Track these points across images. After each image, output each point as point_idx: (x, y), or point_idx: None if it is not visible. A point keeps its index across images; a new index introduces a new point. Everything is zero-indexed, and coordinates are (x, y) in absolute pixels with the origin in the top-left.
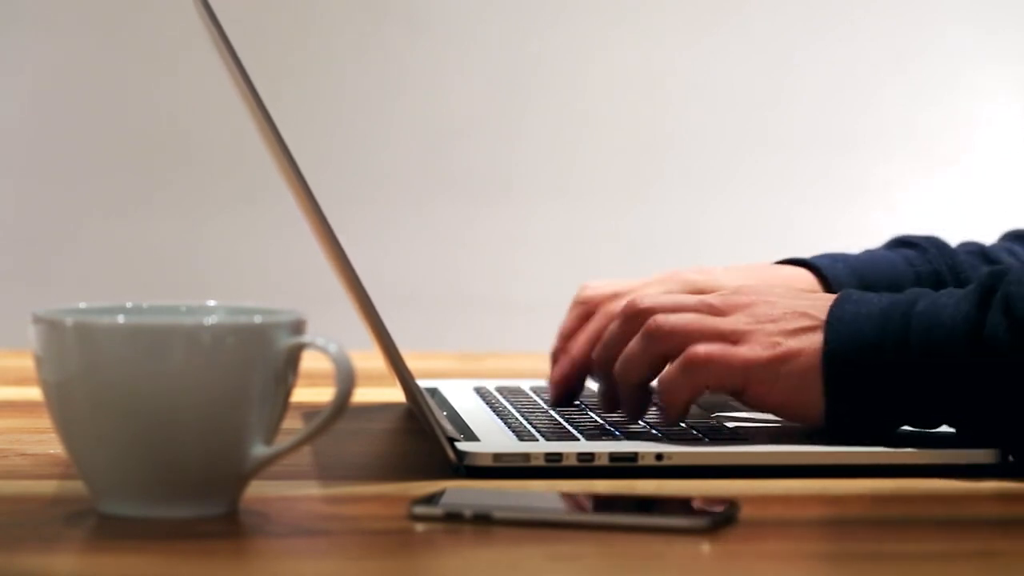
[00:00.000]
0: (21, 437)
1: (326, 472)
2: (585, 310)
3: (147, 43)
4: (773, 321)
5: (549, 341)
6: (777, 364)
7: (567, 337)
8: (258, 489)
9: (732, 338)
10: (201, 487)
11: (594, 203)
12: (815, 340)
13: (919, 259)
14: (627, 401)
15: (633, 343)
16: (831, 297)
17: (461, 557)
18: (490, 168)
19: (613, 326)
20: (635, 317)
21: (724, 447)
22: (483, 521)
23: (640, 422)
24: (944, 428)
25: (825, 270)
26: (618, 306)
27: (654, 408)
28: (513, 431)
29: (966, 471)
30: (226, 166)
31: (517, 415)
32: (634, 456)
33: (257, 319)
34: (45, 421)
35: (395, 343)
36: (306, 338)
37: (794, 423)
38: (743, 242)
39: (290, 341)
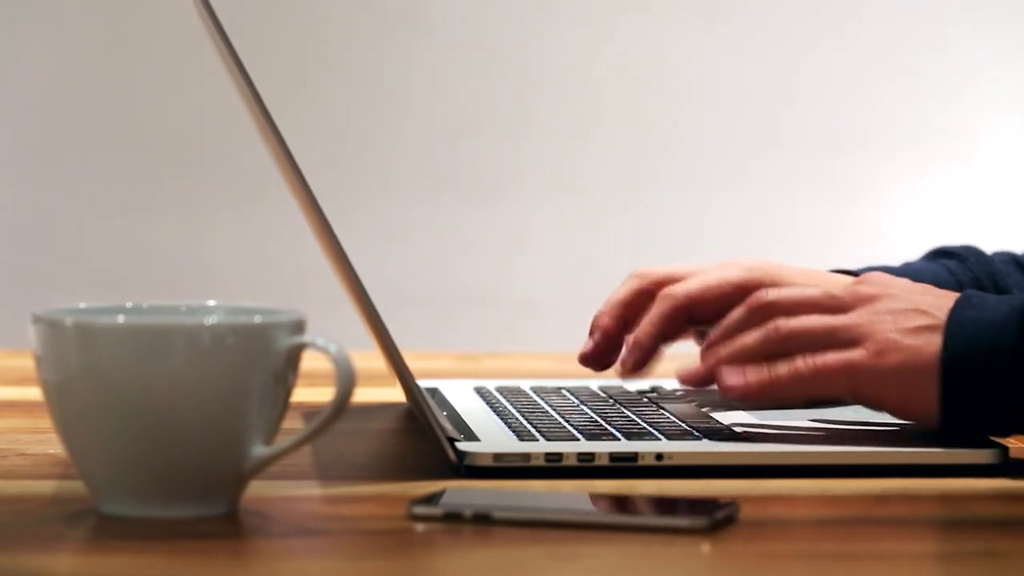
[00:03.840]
0: (21, 437)
1: (326, 472)
2: (638, 283)
3: (147, 43)
4: (893, 316)
5: (549, 341)
6: (890, 364)
7: (612, 304)
8: (258, 489)
9: (849, 337)
10: (201, 487)
11: (595, 203)
12: (933, 341)
13: (960, 269)
14: (729, 375)
15: (752, 339)
16: (953, 296)
17: (461, 557)
18: (491, 168)
19: (737, 313)
20: (759, 310)
21: (724, 447)
22: (483, 521)
23: (641, 422)
24: None
25: None
26: (675, 288)
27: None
28: (513, 431)
29: (966, 471)
30: (226, 166)
31: (517, 415)
32: (634, 456)
33: (257, 319)
34: (45, 421)
35: (395, 343)
36: (306, 338)
37: (907, 422)
38: (746, 242)
39: (290, 341)
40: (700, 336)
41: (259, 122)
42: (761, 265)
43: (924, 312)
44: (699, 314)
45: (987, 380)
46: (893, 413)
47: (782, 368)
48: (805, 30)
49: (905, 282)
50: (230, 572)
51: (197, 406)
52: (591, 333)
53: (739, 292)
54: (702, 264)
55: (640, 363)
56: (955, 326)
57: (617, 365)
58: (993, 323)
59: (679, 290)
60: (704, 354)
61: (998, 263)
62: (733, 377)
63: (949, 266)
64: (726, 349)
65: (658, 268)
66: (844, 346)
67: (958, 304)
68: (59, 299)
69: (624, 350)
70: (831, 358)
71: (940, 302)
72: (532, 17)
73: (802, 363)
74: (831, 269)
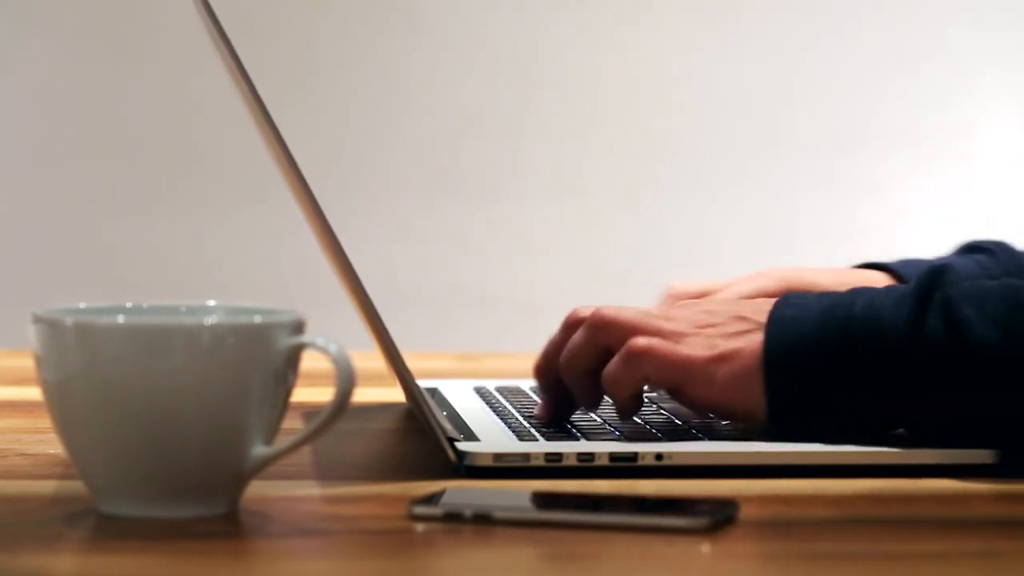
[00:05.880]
0: (21, 437)
1: (326, 472)
2: (673, 303)
3: (147, 43)
4: (712, 326)
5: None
6: (716, 364)
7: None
8: (258, 489)
9: (673, 337)
10: (201, 487)
11: (595, 204)
12: (754, 340)
13: (990, 262)
14: (578, 392)
15: (577, 335)
16: (770, 301)
17: (461, 557)
18: (491, 168)
19: (554, 335)
20: (575, 325)
21: (724, 447)
22: (483, 521)
23: (641, 422)
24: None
25: (900, 270)
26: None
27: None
28: (513, 431)
29: (966, 471)
30: (227, 166)
31: (517, 415)
32: (634, 456)
33: (257, 319)
34: (45, 421)
35: (395, 343)
36: (306, 338)
37: (734, 423)
38: (746, 242)
39: (290, 341)
40: None
41: (259, 122)
42: (795, 273)
43: (742, 318)
44: None
45: (812, 372)
46: (719, 413)
47: (616, 357)
48: (805, 30)
49: (718, 296)
50: (230, 572)
51: (197, 406)
52: None
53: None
54: (736, 277)
55: None
56: (775, 322)
57: None
58: (812, 317)
59: (707, 290)
60: (537, 373)
61: None
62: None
63: (979, 260)
64: (562, 357)
65: (692, 283)
66: (673, 342)
67: (776, 304)
68: (59, 299)
69: None
70: (661, 344)
71: (759, 307)
72: (532, 17)
73: (638, 342)
74: (859, 264)
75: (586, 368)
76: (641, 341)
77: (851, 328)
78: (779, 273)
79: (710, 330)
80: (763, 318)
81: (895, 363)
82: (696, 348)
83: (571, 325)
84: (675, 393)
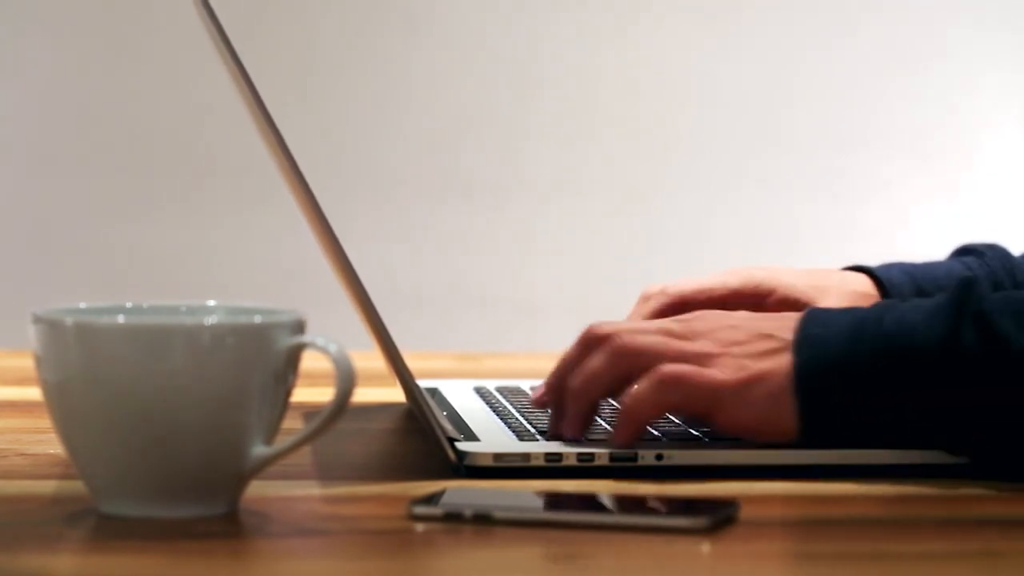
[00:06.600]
0: (21, 437)
1: (326, 472)
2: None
3: (147, 44)
4: (738, 344)
5: (549, 341)
6: (747, 387)
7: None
8: (258, 489)
9: (700, 361)
10: (201, 487)
11: (595, 204)
12: (783, 361)
13: (976, 264)
14: (575, 417)
15: (596, 360)
16: (795, 317)
17: (461, 557)
18: (491, 168)
19: (571, 351)
20: (596, 343)
21: (724, 447)
22: (483, 521)
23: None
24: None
25: (878, 272)
26: (668, 286)
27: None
28: (513, 431)
29: (967, 471)
30: (227, 167)
31: (517, 415)
32: (634, 456)
33: (257, 319)
34: (45, 421)
35: (395, 343)
36: (306, 338)
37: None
38: (748, 243)
39: (290, 341)
40: None
41: (259, 122)
42: (766, 272)
43: (768, 336)
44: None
45: (844, 390)
46: (752, 436)
47: (643, 382)
48: (805, 30)
49: (742, 313)
50: (230, 572)
51: (197, 406)
52: None
53: (734, 297)
54: (708, 276)
55: None
56: (803, 341)
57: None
58: (840, 335)
59: (672, 288)
60: (549, 389)
61: (1019, 259)
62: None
63: (966, 261)
64: (575, 378)
65: (667, 285)
66: (702, 367)
67: (802, 321)
68: (59, 299)
69: None
70: (692, 370)
71: (783, 324)
72: (532, 17)
73: (667, 369)
74: (845, 267)
75: (601, 397)
76: (670, 368)
77: (882, 346)
78: (748, 272)
79: (736, 349)
80: (789, 335)
81: (931, 379)
82: (726, 371)
83: (588, 344)
84: (703, 418)
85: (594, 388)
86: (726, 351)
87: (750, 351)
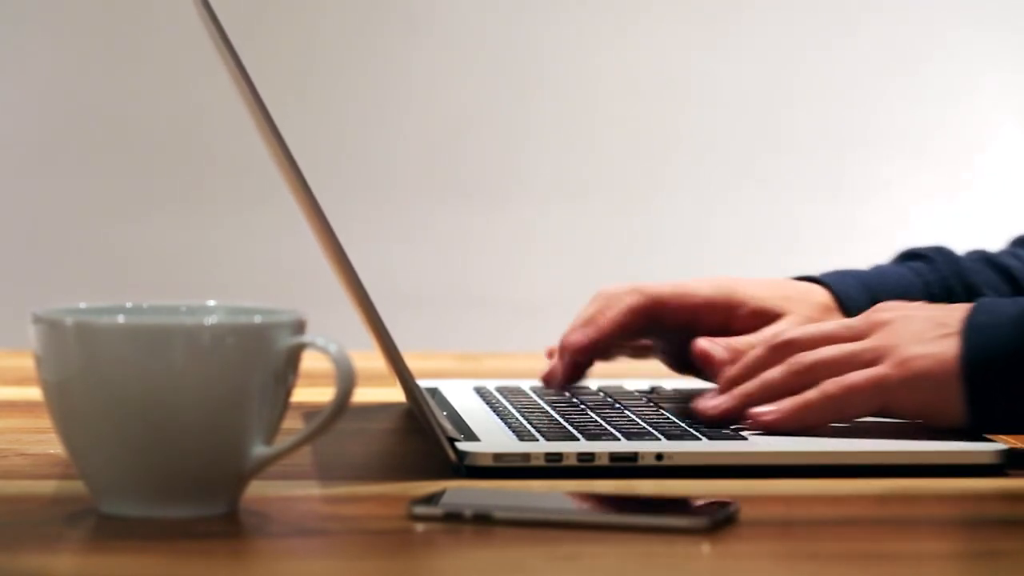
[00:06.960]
0: (21, 437)
1: (326, 472)
2: (604, 303)
3: (147, 44)
4: (910, 332)
5: (550, 342)
6: (915, 376)
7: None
8: (258, 489)
9: (870, 358)
10: (201, 487)
11: (595, 204)
12: (951, 346)
13: (926, 269)
14: (739, 409)
15: (776, 373)
16: (966, 307)
17: (461, 557)
18: (491, 169)
19: (757, 352)
20: (779, 348)
21: (724, 447)
22: (483, 521)
23: (641, 422)
24: None
25: (835, 287)
26: (646, 286)
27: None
28: (513, 431)
29: (967, 471)
30: (227, 167)
31: (517, 415)
32: (634, 456)
33: (257, 319)
34: (45, 421)
35: (395, 343)
36: (306, 338)
37: (936, 427)
38: (748, 244)
39: (290, 341)
40: (639, 351)
41: (259, 122)
42: (726, 283)
43: (941, 323)
44: (663, 318)
45: (1013, 377)
46: (924, 420)
47: (811, 393)
48: (805, 30)
49: (919, 303)
50: (230, 572)
51: (197, 406)
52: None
53: (706, 307)
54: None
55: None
56: (972, 328)
57: (569, 340)
58: (1012, 321)
59: (649, 288)
60: (725, 390)
61: (967, 261)
62: (763, 409)
63: (916, 267)
64: (752, 384)
65: (621, 285)
66: (867, 366)
67: (972, 311)
68: (59, 299)
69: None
70: (857, 376)
71: (954, 313)
72: (532, 17)
73: (831, 385)
74: (797, 276)
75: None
76: (858, 378)
77: None
78: (719, 281)
79: (906, 335)
80: (957, 325)
81: None
82: (894, 363)
83: (777, 350)
84: (880, 412)
85: (770, 397)
86: (901, 341)
87: (923, 338)
